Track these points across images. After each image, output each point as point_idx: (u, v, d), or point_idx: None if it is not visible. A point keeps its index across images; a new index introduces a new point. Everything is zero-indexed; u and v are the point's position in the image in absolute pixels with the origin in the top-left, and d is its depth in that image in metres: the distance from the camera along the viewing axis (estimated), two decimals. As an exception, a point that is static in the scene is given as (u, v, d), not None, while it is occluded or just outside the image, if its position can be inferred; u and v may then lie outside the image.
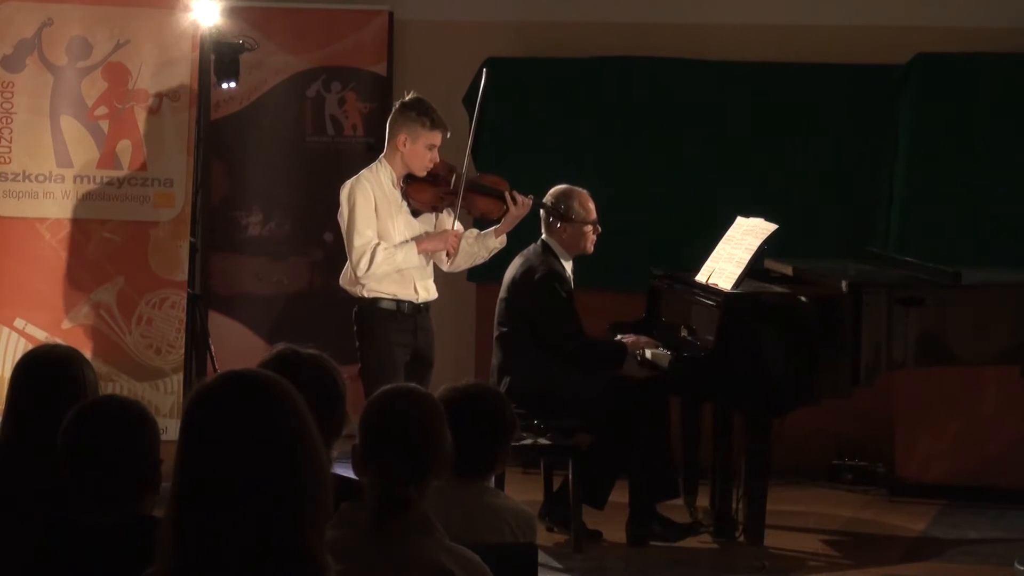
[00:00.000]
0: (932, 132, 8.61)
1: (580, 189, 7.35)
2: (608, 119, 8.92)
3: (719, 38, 8.98)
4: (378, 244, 6.85)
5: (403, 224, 6.97)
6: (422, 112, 6.89)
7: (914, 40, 8.67)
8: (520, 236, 7.31)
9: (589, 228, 7.29)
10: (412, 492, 3.16)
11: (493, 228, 7.11)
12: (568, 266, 7.32)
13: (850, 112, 8.80)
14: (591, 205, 7.31)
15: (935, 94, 8.64)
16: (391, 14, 9.16)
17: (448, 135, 6.94)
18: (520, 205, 7.05)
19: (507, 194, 7.06)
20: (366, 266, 6.84)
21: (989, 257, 8.05)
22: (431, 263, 7.09)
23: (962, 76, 8.65)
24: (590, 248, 7.33)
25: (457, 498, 3.71)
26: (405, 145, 6.90)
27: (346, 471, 3.23)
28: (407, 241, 6.92)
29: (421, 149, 6.89)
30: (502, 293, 7.36)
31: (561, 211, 7.25)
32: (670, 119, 8.90)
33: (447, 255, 7.06)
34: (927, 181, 8.57)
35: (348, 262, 6.94)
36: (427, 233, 7.01)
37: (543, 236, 7.33)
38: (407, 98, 6.99)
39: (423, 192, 6.97)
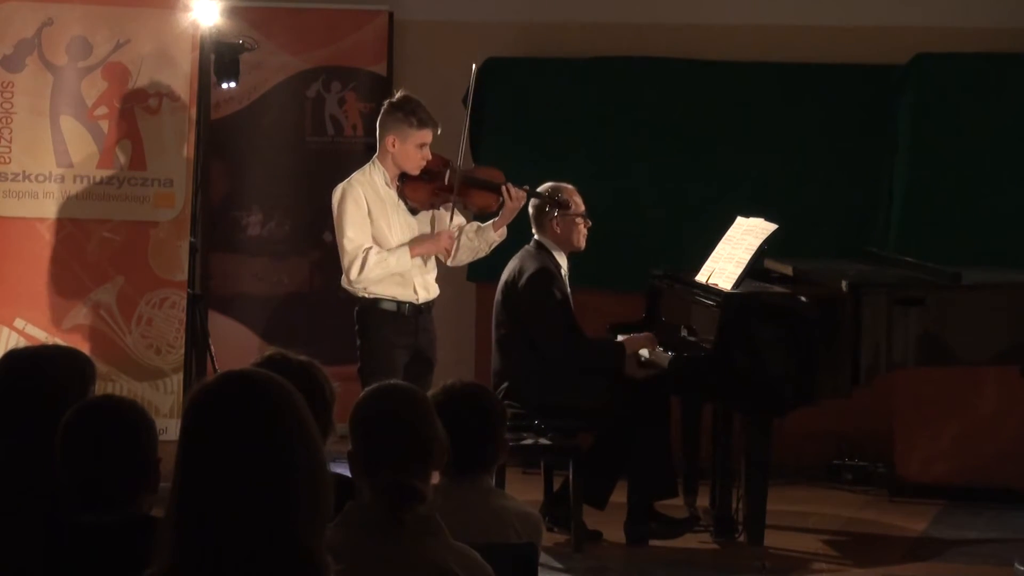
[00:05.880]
0: (932, 132, 8.61)
1: (566, 184, 7.34)
2: (608, 119, 8.92)
3: (719, 38, 8.98)
4: (370, 248, 6.81)
5: (401, 223, 6.94)
6: (409, 112, 6.83)
7: (914, 40, 8.67)
8: (521, 231, 7.31)
9: (580, 220, 7.27)
10: (420, 485, 3.19)
11: (492, 221, 7.09)
12: (563, 262, 7.31)
13: (850, 112, 8.80)
14: (579, 199, 7.30)
15: (935, 94, 8.64)
16: (391, 14, 9.15)
17: (439, 131, 6.90)
18: (515, 198, 7.02)
19: (503, 187, 7.03)
20: (357, 270, 6.82)
21: (989, 257, 8.04)
22: (432, 258, 7.08)
23: (962, 76, 8.65)
24: (582, 243, 7.29)
25: (462, 498, 3.72)
26: (394, 146, 6.86)
27: (343, 470, 3.24)
28: (401, 245, 6.90)
29: (411, 149, 6.85)
30: (497, 295, 7.35)
31: (558, 199, 7.22)
32: (670, 119, 8.90)
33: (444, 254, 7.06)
34: (927, 181, 8.57)
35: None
36: (422, 235, 6.98)
37: (535, 236, 7.32)
38: (395, 98, 6.94)
39: (419, 191, 6.94)
